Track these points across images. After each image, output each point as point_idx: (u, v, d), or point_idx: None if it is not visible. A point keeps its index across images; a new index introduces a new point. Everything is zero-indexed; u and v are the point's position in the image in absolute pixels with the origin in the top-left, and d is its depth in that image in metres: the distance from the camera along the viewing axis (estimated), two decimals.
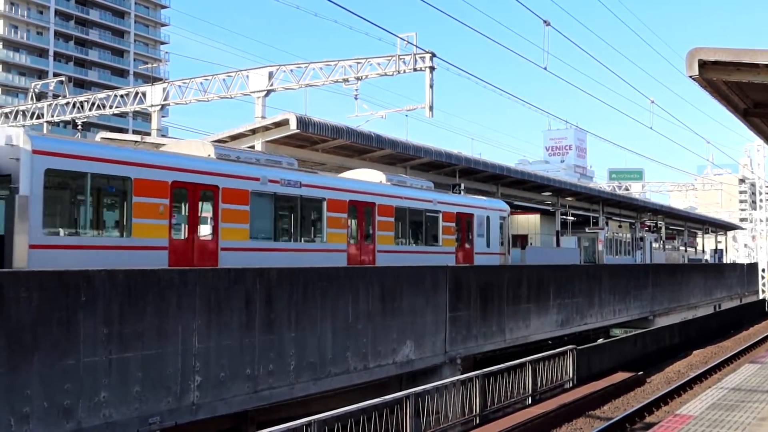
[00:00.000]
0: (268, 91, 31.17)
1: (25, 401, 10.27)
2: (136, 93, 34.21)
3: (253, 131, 25.71)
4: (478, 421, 16.51)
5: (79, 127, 33.42)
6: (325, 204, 20.49)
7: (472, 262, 26.96)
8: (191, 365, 12.59)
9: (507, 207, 30.88)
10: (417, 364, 18.39)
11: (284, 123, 24.45)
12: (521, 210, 45.67)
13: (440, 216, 25.78)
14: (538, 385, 19.51)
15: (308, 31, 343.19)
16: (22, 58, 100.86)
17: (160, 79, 55.14)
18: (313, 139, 26.70)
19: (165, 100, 32.44)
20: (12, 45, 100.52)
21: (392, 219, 23.46)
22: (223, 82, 31.69)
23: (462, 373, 18.43)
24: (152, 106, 32.65)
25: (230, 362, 13.33)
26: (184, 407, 12.45)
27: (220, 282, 13.39)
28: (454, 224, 26.36)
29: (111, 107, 34.31)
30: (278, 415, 14.58)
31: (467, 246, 27.25)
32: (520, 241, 40.74)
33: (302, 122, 24.27)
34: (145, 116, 68.86)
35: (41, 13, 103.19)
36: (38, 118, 35.38)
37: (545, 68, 23.38)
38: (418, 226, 25.49)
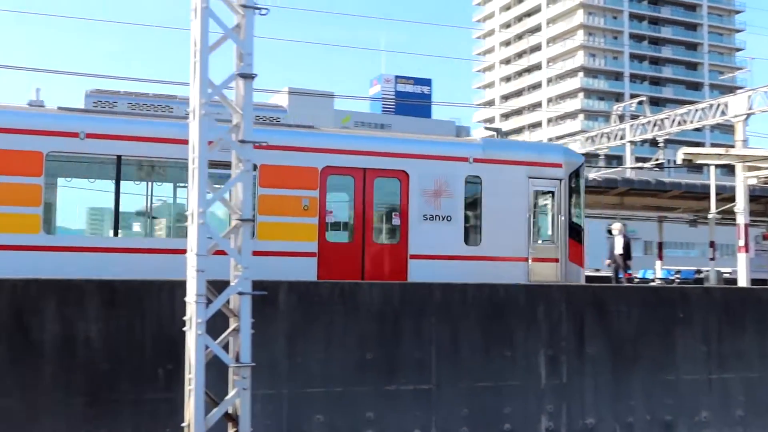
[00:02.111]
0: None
1: (629, 411, 10.71)
2: (717, 105, 33.16)
3: None
4: None
5: (660, 144, 33.87)
6: None
7: (400, 276, 13.93)
8: None
9: (567, 159, 15.62)
10: None
11: None
12: None
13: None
14: None
15: None
16: (600, 84, 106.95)
17: (739, 88, 52.62)
18: None
19: (750, 109, 30.76)
20: (591, 72, 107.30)
21: None
22: None
23: None
24: (735, 116, 31.26)
25: None
26: None
27: None
28: (316, 193, 13.74)
29: (691, 122, 33.96)
30: None
31: (380, 241, 14.49)
32: None
33: None
34: (724, 128, 66.49)
35: (615, 38, 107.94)
36: (621, 138, 36.90)
37: None
38: None
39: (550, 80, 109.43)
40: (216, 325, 7.33)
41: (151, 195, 13.64)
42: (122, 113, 13.38)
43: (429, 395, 10.20)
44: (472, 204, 14.60)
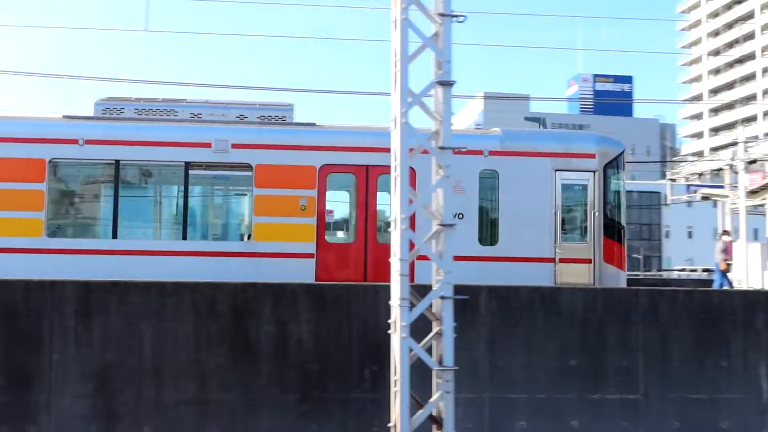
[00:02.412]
0: None
1: None
2: None
3: None
4: None
5: None
6: None
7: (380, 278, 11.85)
8: None
9: (602, 149, 13.93)
10: None
11: None
12: None
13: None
14: None
15: None
16: None
17: None
18: None
19: None
20: None
21: None
22: None
23: None
24: None
25: None
26: None
27: None
28: (314, 192, 13.60)
29: None
30: None
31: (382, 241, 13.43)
32: None
33: None
34: None
35: None
36: None
37: None
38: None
39: (766, 70, 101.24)
40: (419, 328, 7.50)
41: (148, 197, 14.45)
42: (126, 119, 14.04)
43: (636, 405, 9.81)
44: (488, 200, 13.81)
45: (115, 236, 13.45)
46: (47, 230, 13.41)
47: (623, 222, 14.05)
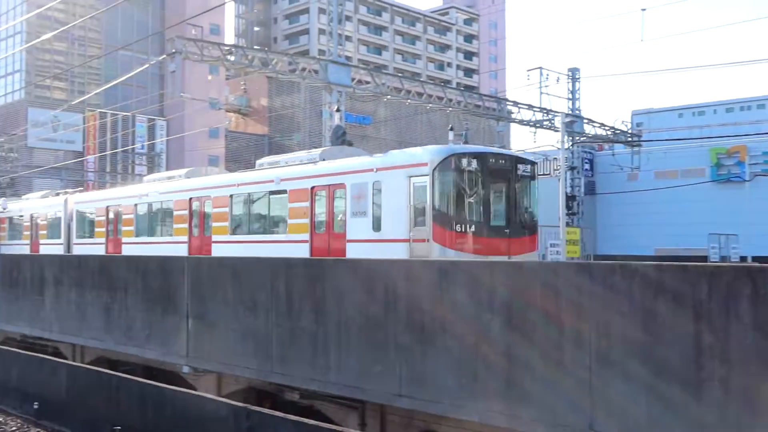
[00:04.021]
0: None
1: None
2: None
3: None
4: None
5: None
6: None
7: (342, 254, 19.00)
8: None
9: (432, 158, 18.14)
10: None
11: None
12: None
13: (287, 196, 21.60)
14: None
15: None
16: None
17: None
18: None
19: None
20: None
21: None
22: None
23: None
24: None
25: None
26: None
27: None
28: (306, 204, 20.64)
29: None
30: None
31: (336, 231, 19.86)
32: None
33: None
34: None
35: None
36: None
37: None
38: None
39: None
40: None
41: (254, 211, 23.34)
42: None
43: None
44: (376, 202, 18.76)
45: (248, 233, 22.67)
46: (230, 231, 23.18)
47: (451, 210, 17.80)
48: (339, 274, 9.79)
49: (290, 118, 76.67)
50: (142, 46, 66.61)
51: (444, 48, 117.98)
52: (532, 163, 19.92)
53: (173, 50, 25.07)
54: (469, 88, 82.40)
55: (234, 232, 22.92)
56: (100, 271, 14.47)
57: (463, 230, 17.58)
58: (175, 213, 25.21)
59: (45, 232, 33.56)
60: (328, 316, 9.58)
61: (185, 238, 24.51)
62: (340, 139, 24.82)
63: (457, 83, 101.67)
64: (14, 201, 40.14)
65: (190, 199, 24.56)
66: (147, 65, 38.19)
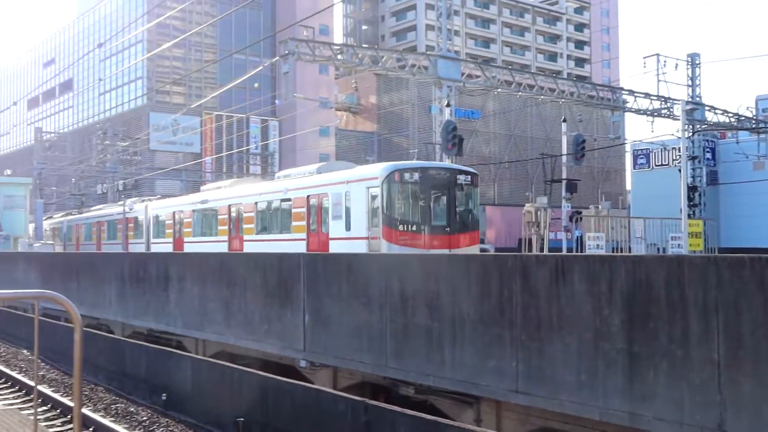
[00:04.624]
0: None
1: None
2: None
3: None
4: None
5: None
6: None
7: (326, 250, 23.33)
8: None
9: (381, 173, 22.37)
10: None
11: None
12: None
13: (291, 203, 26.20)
14: None
15: None
16: None
17: None
18: None
19: None
20: None
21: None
22: None
23: None
24: None
25: None
26: None
27: None
28: (304, 209, 25.11)
29: None
30: None
31: (323, 231, 24.37)
32: None
33: None
34: None
35: None
36: None
37: None
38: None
39: None
40: None
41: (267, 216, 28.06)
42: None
43: None
44: (347, 207, 22.86)
45: (267, 233, 27.16)
46: (255, 231, 28.00)
47: (395, 215, 21.83)
48: (452, 270, 9.75)
49: (398, 114, 77.11)
50: (254, 49, 68.63)
51: (554, 38, 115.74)
52: (473, 174, 23.35)
53: (286, 51, 25.69)
54: (581, 79, 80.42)
55: (258, 232, 27.47)
56: (220, 268, 14.97)
57: (406, 229, 21.47)
58: (219, 217, 30.16)
59: (132, 232, 39.25)
60: (442, 311, 9.55)
61: (225, 238, 29.46)
62: (451, 134, 24.86)
63: (568, 74, 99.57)
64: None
65: (229, 206, 29.53)
66: (260, 67, 39.36)
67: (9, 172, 64.76)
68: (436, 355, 9.57)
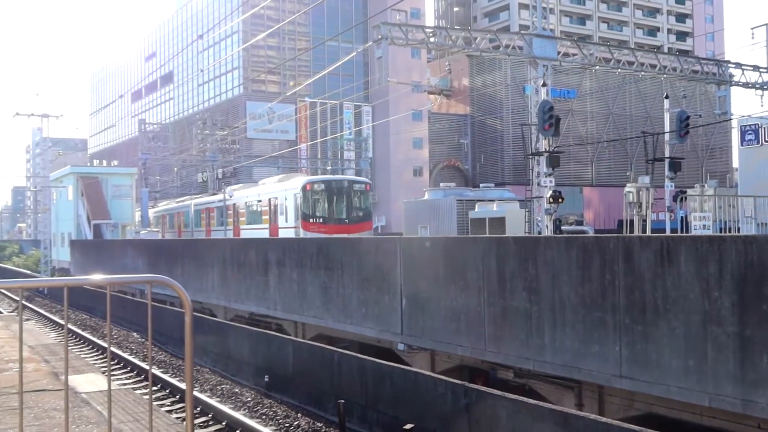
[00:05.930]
0: None
1: None
2: None
3: None
4: None
5: None
6: None
7: (276, 235, 32.95)
8: None
9: (300, 185, 32.62)
10: None
11: None
12: None
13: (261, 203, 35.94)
14: None
15: None
16: None
17: None
18: None
19: None
20: None
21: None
22: None
23: None
24: None
25: None
26: None
27: None
28: (267, 207, 34.83)
29: None
30: None
31: (274, 223, 33.89)
32: None
33: None
34: None
35: None
36: None
37: None
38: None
39: None
40: None
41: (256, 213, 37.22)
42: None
43: None
44: (286, 207, 32.43)
45: (252, 224, 36.39)
46: (245, 224, 37.24)
47: (311, 210, 31.67)
48: (551, 252, 9.57)
49: (492, 96, 76.17)
50: (346, 36, 69.02)
51: (653, 12, 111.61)
52: (367, 182, 34.88)
53: (379, 36, 25.71)
54: (683, 53, 77.38)
55: (246, 224, 36.78)
56: (318, 253, 15.20)
57: (314, 221, 31.30)
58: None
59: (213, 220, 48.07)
60: (542, 294, 9.40)
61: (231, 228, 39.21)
62: (547, 114, 24.31)
63: (669, 48, 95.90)
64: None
65: (235, 204, 38.31)
66: (353, 53, 39.58)
67: (116, 162, 67.59)
68: (535, 338, 9.43)
